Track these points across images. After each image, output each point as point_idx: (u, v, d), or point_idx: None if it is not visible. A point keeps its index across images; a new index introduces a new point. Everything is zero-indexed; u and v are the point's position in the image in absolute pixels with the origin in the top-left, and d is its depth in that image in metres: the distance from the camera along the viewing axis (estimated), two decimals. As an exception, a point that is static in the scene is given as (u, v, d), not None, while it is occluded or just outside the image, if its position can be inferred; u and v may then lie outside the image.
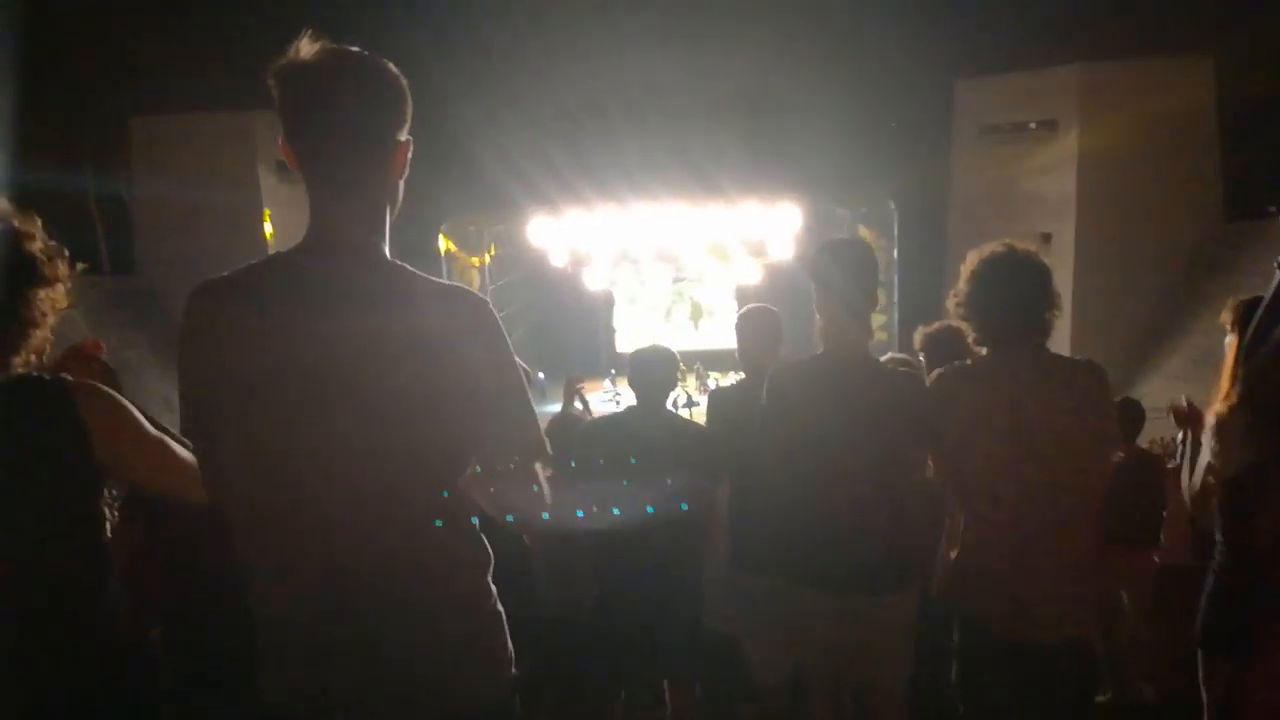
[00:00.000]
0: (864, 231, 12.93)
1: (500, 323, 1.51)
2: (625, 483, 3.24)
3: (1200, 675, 2.87)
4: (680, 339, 11.32)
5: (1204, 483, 2.63)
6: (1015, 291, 2.59)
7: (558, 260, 12.94)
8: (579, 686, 3.50)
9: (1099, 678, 2.95)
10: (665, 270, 14.53)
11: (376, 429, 1.44)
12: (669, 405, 3.60)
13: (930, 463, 2.69)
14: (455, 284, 1.57)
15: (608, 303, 16.16)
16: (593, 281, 13.85)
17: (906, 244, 12.00)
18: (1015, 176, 10.82)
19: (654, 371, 3.38)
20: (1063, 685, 2.64)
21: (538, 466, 1.60)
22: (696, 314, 16.36)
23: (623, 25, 9.49)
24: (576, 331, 15.84)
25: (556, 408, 4.45)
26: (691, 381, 13.28)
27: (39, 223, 1.78)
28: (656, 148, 10.83)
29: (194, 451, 1.55)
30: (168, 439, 1.81)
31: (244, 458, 1.48)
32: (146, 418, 1.84)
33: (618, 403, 11.08)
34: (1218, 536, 2.83)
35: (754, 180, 11.66)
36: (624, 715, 3.49)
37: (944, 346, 3.42)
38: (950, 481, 2.63)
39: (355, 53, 1.47)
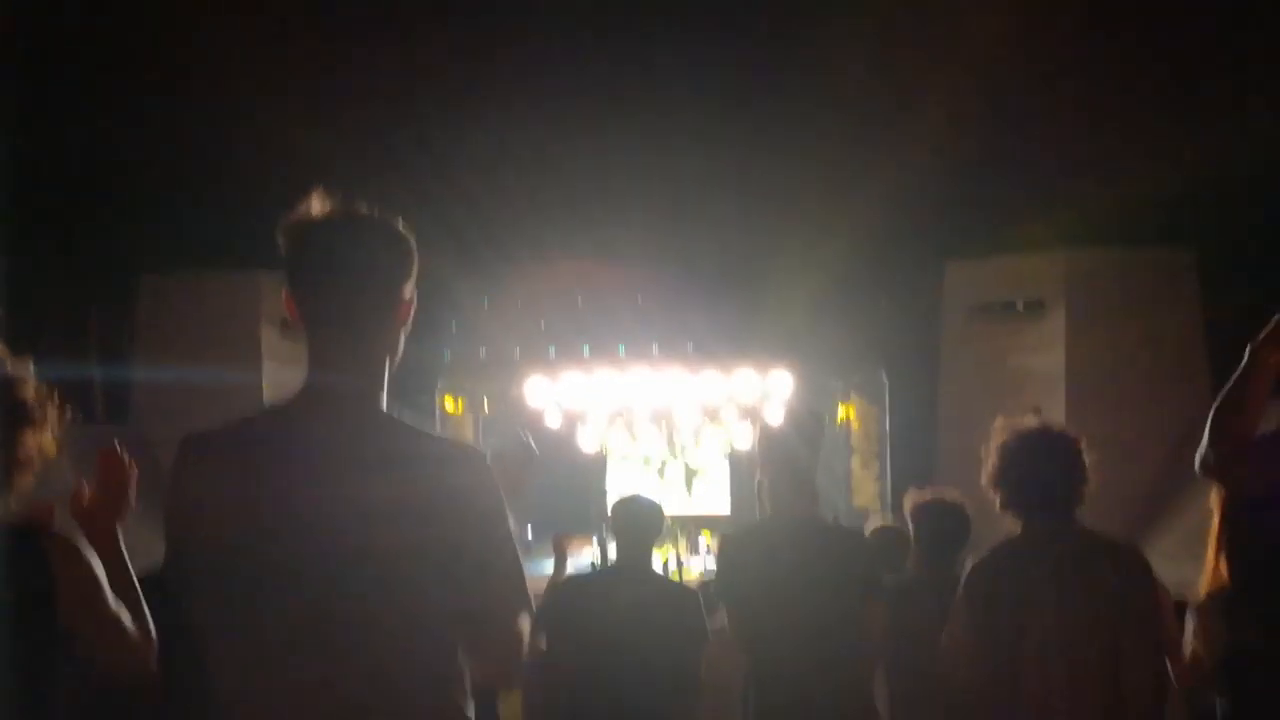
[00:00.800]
0: (856, 399, 13.04)
1: (496, 482, 1.50)
2: (595, 649, 3.15)
3: None
4: (673, 502, 11.19)
5: (1191, 657, 2.55)
6: (1050, 463, 2.57)
7: (552, 422, 12.97)
8: None
9: None
10: (659, 433, 14.55)
11: (369, 598, 1.42)
12: (655, 565, 3.54)
13: (952, 658, 2.58)
14: (454, 442, 1.57)
15: (599, 463, 16.10)
16: (585, 442, 13.83)
17: (897, 414, 12.08)
18: (1004, 353, 11.01)
19: (639, 520, 3.33)
20: None
21: (524, 624, 1.57)
22: (690, 476, 16.26)
23: (621, 196, 9.82)
24: (567, 491, 15.71)
25: (542, 564, 4.35)
26: (683, 544, 13.09)
27: (31, 366, 1.81)
28: (652, 313, 11.05)
29: (170, 609, 1.51)
30: (124, 612, 1.77)
31: (227, 617, 1.44)
32: (122, 582, 1.81)
33: (593, 565, 10.87)
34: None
35: (748, 347, 11.84)
36: None
37: (933, 517, 3.41)
38: (982, 666, 2.50)
39: (364, 214, 1.52)
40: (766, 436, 2.91)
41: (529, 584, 1.60)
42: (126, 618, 1.83)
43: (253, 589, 1.39)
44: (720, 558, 2.91)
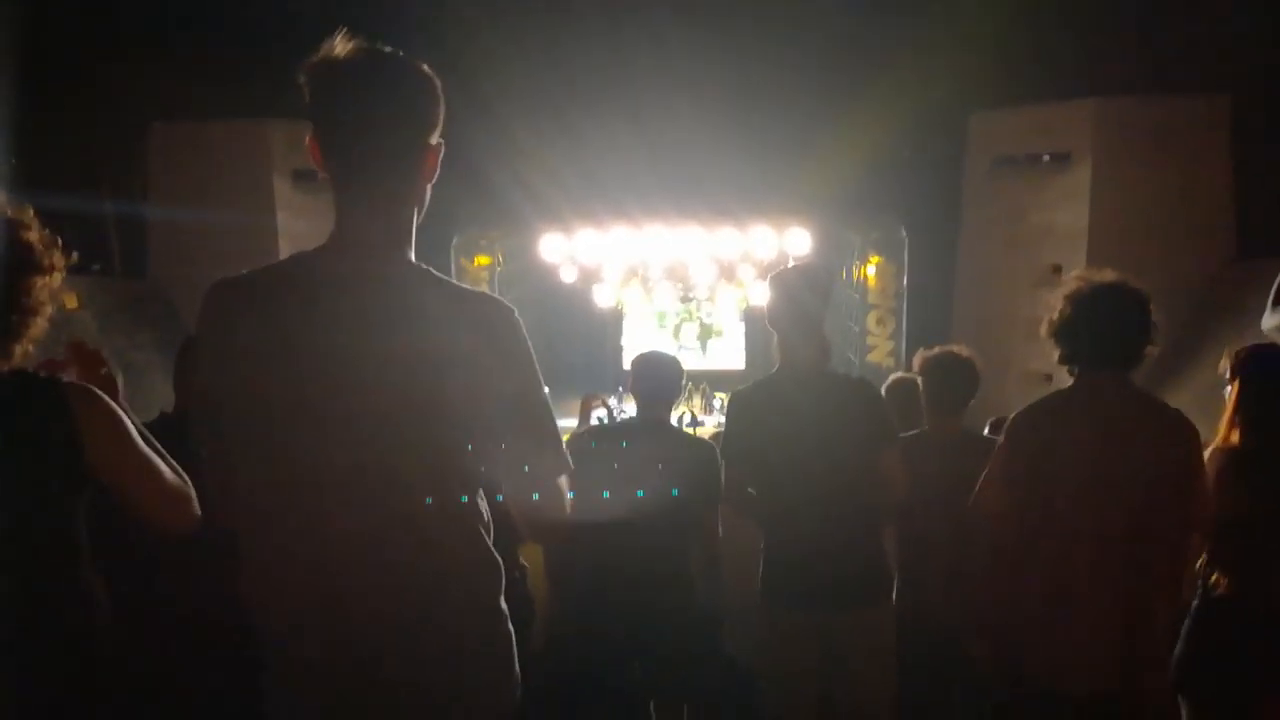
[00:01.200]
0: (874, 257, 12.93)
1: (525, 333, 1.48)
2: (611, 497, 3.22)
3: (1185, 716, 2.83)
4: (687, 359, 11.33)
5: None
6: (1118, 314, 2.50)
7: (567, 277, 12.96)
8: (569, 705, 3.47)
9: None
10: (674, 289, 14.55)
11: (395, 442, 1.42)
12: (673, 420, 3.58)
13: (986, 500, 2.61)
14: (482, 291, 1.53)
15: (615, 320, 16.16)
16: (601, 298, 13.86)
17: (916, 271, 11.99)
18: (1026, 208, 10.82)
19: (658, 378, 3.35)
20: None
21: (563, 481, 1.57)
22: (705, 335, 16.34)
23: (637, 49, 9.52)
24: (583, 348, 15.83)
25: (563, 423, 4.42)
26: (697, 401, 13.26)
27: (32, 213, 1.78)
28: (668, 169, 10.85)
29: (205, 454, 1.52)
30: (157, 459, 1.78)
31: (256, 468, 1.45)
32: (142, 437, 1.81)
33: (606, 419, 11.05)
34: (1199, 583, 2.80)
35: (765, 204, 11.68)
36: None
37: (942, 371, 3.42)
38: (1014, 520, 2.53)
39: (390, 53, 1.45)
40: (774, 287, 2.87)
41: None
42: (162, 464, 1.83)
43: (285, 434, 1.39)
44: (730, 412, 2.90)
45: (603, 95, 10.06)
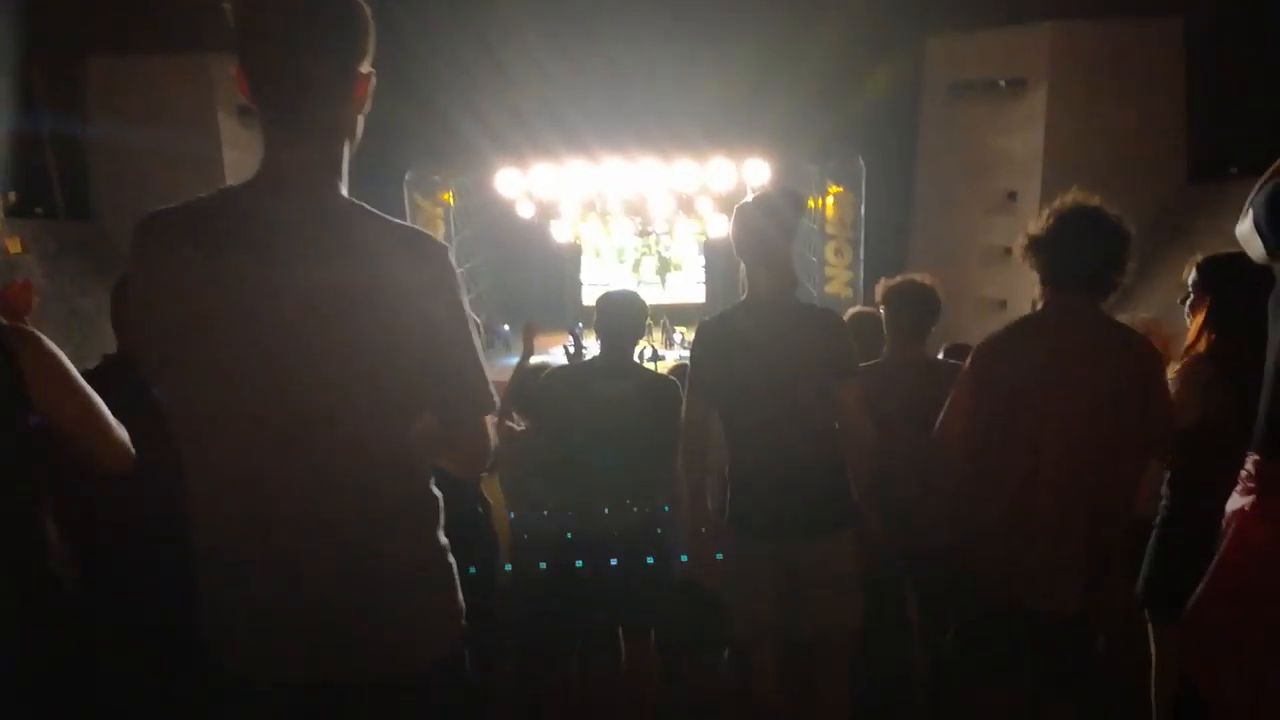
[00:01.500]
0: (832, 188, 12.93)
1: (457, 272, 1.47)
2: (579, 438, 3.23)
3: (1151, 632, 2.89)
4: (647, 294, 11.32)
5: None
6: (1094, 243, 2.51)
7: (524, 212, 12.83)
8: (535, 635, 3.52)
9: (1097, 654, 2.92)
10: (632, 224, 14.47)
11: (327, 380, 1.41)
12: (635, 358, 3.58)
13: (949, 420, 2.64)
14: (415, 228, 1.51)
15: (574, 255, 16.07)
16: (559, 234, 13.75)
17: (873, 200, 12.01)
18: (983, 134, 10.85)
19: (622, 316, 3.33)
20: (1067, 659, 2.62)
21: (487, 420, 1.57)
22: (664, 269, 16.31)
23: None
24: (542, 284, 15.75)
25: (515, 360, 4.41)
26: (658, 336, 13.29)
27: None
28: (626, 101, 10.71)
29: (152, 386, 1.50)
30: (98, 399, 1.76)
31: (191, 404, 1.44)
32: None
33: (582, 356, 11.05)
34: (1163, 489, 2.84)
35: (723, 135, 11.59)
36: (580, 663, 3.52)
37: (904, 300, 3.44)
38: (978, 445, 2.57)
39: None
40: (739, 217, 2.84)
41: (494, 375, 1.60)
42: (102, 405, 1.82)
43: (214, 373, 1.37)
44: (694, 342, 2.88)
45: (558, 28, 9.87)
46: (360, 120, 1.52)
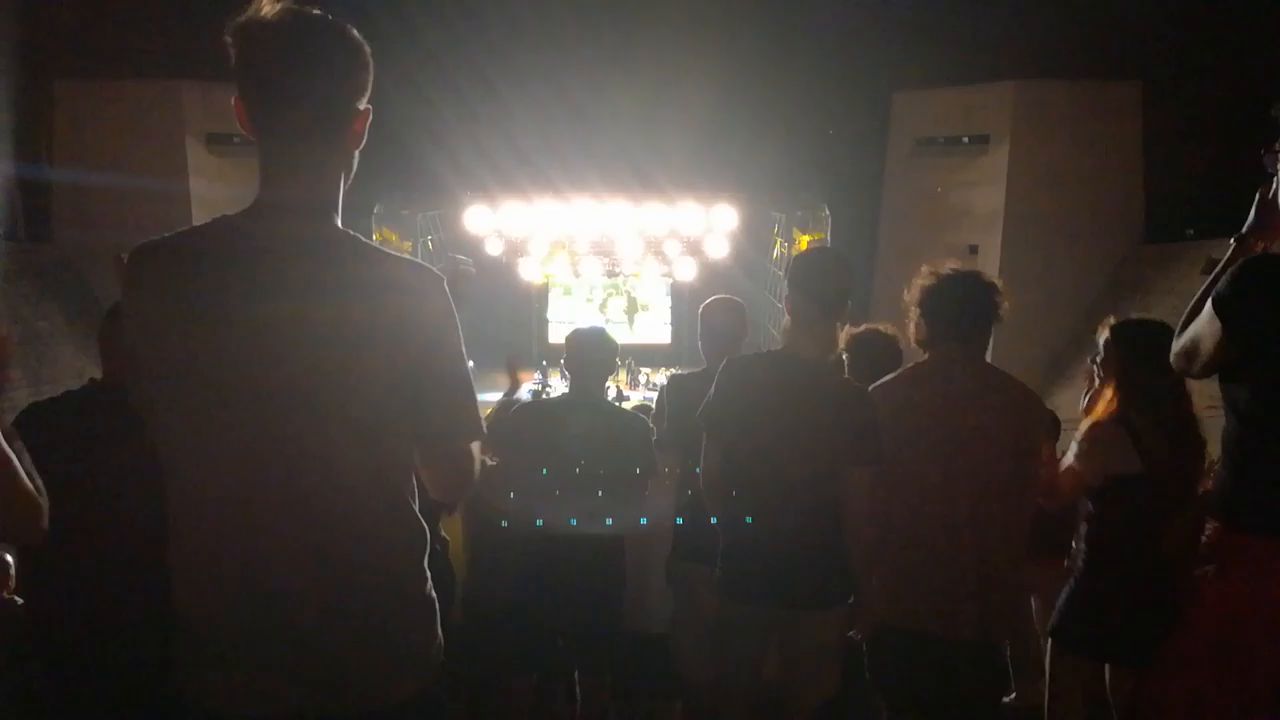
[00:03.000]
0: (797, 235, 13.07)
1: (452, 302, 1.48)
2: (549, 474, 3.22)
3: (1049, 651, 3.06)
4: (614, 334, 11.35)
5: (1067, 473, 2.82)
6: (964, 300, 2.71)
7: (493, 249, 12.84)
8: (489, 676, 3.48)
9: (1009, 680, 3.05)
10: (601, 264, 14.53)
11: (324, 411, 1.41)
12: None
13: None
14: (411, 260, 1.52)
15: (541, 294, 16.08)
16: (527, 272, 13.77)
17: (838, 248, 12.15)
18: (946, 189, 11.04)
19: (592, 352, 3.35)
20: (975, 685, 2.71)
21: (474, 446, 1.59)
22: (632, 309, 16.35)
23: (564, 22, 9.43)
24: (509, 321, 15.73)
25: (485, 396, 4.39)
26: (623, 376, 13.29)
27: None
28: (596, 142, 10.80)
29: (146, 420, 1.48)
30: (17, 466, 1.66)
31: (181, 434, 1.43)
32: (6, 436, 1.68)
33: (547, 394, 11.02)
34: (1079, 544, 3.01)
35: (692, 179, 11.71)
36: (534, 705, 3.48)
37: (867, 349, 3.49)
38: (884, 482, 2.65)
39: (319, 15, 1.43)
40: (796, 269, 2.82)
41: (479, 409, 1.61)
42: (17, 471, 1.71)
43: (207, 402, 1.37)
44: (717, 384, 2.77)
45: (530, 66, 9.95)
46: (356, 155, 1.54)
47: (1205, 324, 2.14)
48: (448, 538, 3.62)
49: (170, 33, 8.97)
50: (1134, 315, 3.20)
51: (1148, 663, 2.39)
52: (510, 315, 15.81)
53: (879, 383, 2.79)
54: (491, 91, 9.69)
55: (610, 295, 16.23)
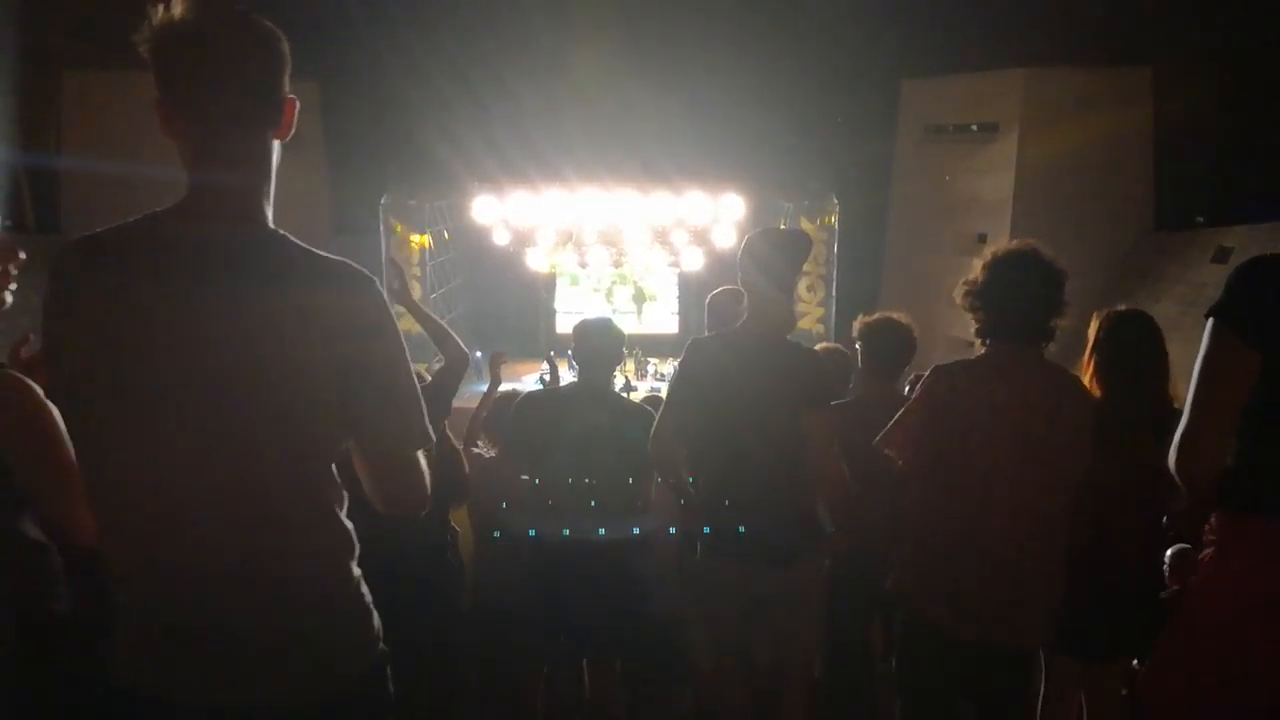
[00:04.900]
0: (805, 224, 13.04)
1: (386, 303, 1.48)
2: (554, 466, 3.22)
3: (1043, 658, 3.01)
4: (622, 323, 11.34)
5: None
6: (1030, 293, 2.61)
7: (500, 239, 12.83)
8: (500, 664, 3.49)
9: (1036, 689, 3.01)
10: (608, 254, 14.50)
11: (244, 412, 1.41)
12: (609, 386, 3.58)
13: (896, 453, 2.71)
14: (340, 260, 1.52)
15: (548, 283, 16.07)
16: (534, 262, 13.76)
17: (846, 238, 12.12)
18: (955, 177, 11.00)
19: (599, 343, 3.35)
20: (1006, 694, 2.68)
21: (419, 455, 1.57)
22: (640, 298, 16.32)
23: (569, 10, 9.40)
24: (516, 310, 15.72)
25: (482, 386, 4.39)
26: (630, 366, 13.29)
27: None
28: (603, 132, 10.78)
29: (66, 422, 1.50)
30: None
31: (107, 436, 1.44)
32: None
33: (545, 384, 11.02)
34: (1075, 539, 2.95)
35: (699, 169, 11.67)
36: (544, 693, 3.49)
37: (882, 337, 3.48)
38: (928, 475, 2.65)
39: (230, 9, 1.43)
40: (748, 247, 2.86)
41: (465, 402, 1.60)
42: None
43: (128, 403, 1.37)
44: (682, 360, 2.89)
45: (537, 56, 9.93)
46: (279, 146, 1.53)
47: (1208, 382, 1.85)
48: (458, 529, 3.63)
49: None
50: (1143, 303, 3.18)
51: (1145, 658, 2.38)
52: (517, 305, 15.82)
53: (942, 367, 2.75)
54: (499, 81, 9.67)
55: (615, 284, 16.20)
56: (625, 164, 11.39)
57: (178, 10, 1.39)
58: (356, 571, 1.59)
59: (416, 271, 12.97)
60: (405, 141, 9.49)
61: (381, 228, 11.83)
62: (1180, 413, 1.89)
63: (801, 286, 13.75)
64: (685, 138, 10.78)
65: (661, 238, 13.25)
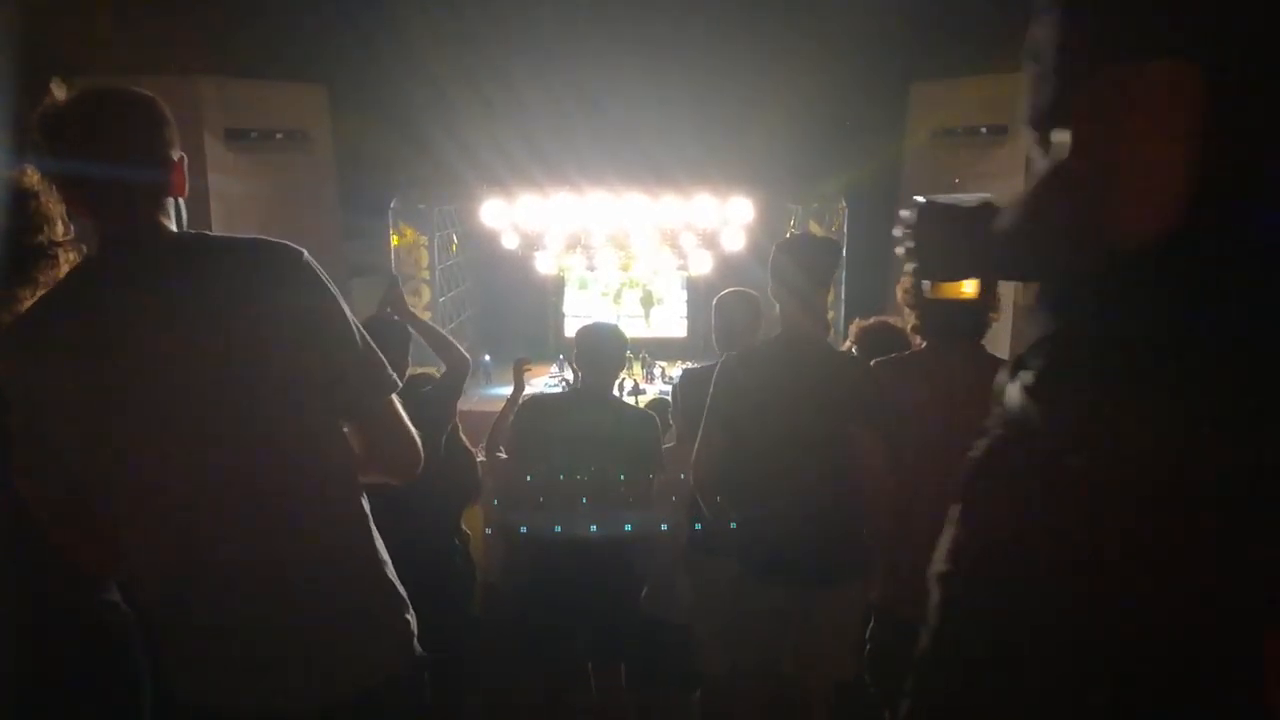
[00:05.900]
0: (814, 227, 13.02)
1: (317, 269, 1.50)
2: (555, 470, 3.22)
3: None
4: (629, 327, 11.34)
5: None
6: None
7: (509, 243, 12.85)
8: (506, 667, 3.50)
9: None
10: (616, 257, 14.52)
11: (225, 412, 1.44)
12: (615, 391, 3.59)
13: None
14: (260, 239, 1.54)
15: (557, 287, 16.09)
16: (543, 265, 13.78)
17: (855, 241, 12.10)
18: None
19: (602, 348, 3.36)
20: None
21: (395, 402, 1.60)
22: (648, 302, 16.33)
23: (577, 13, 9.42)
24: (524, 314, 15.75)
25: (501, 390, 4.40)
26: (638, 369, 13.29)
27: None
28: (611, 136, 10.79)
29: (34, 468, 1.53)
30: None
31: (113, 481, 1.46)
32: None
33: (565, 387, 11.03)
34: None
35: (707, 172, 11.67)
36: (550, 697, 3.49)
37: (877, 341, 3.49)
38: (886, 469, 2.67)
39: (107, 89, 1.50)
40: (779, 255, 2.84)
41: (475, 405, 1.62)
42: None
43: (121, 441, 1.42)
44: (717, 379, 2.82)
45: (545, 60, 9.93)
46: (180, 201, 1.60)
47: None
48: (469, 532, 3.64)
49: (184, 27, 9.00)
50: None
51: None
52: (526, 309, 15.84)
53: (876, 362, 2.79)
54: (507, 85, 9.68)
55: (624, 287, 16.22)
56: (633, 167, 11.39)
57: (58, 96, 1.47)
58: (384, 555, 1.61)
59: (425, 275, 13.01)
60: (414, 146, 9.50)
61: (390, 231, 11.87)
62: None
63: (810, 290, 13.67)
64: (693, 141, 10.78)
65: (670, 241, 13.26)
